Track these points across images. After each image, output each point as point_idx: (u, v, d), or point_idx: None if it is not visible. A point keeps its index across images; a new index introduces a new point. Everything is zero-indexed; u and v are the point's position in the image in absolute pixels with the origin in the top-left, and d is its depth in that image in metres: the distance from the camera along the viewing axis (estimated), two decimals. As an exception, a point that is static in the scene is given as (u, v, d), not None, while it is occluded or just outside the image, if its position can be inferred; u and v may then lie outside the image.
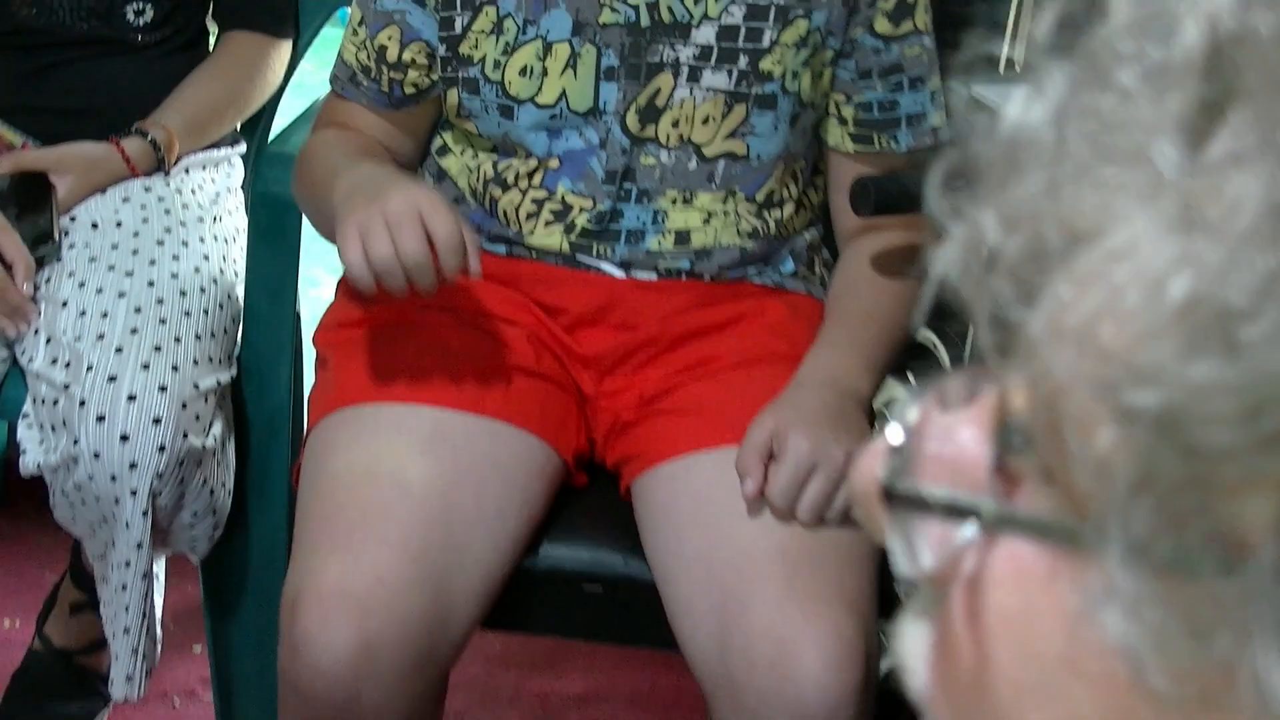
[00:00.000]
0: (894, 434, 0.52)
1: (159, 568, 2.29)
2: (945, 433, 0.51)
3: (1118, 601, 0.43)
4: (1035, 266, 0.46)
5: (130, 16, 2.45)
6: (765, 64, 2.03)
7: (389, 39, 2.12)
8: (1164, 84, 0.44)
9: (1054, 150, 0.46)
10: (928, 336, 2.62)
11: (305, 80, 2.77)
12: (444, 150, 2.18)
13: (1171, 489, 0.41)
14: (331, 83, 2.21)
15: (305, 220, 2.24)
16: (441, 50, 2.10)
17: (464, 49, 2.08)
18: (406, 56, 2.13)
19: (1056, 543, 0.46)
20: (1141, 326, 0.42)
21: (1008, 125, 0.48)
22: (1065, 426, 0.45)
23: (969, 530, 0.48)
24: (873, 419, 2.02)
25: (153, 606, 2.24)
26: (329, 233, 2.05)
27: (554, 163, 2.10)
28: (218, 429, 2.20)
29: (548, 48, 2.05)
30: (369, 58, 2.15)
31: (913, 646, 0.53)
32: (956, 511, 0.49)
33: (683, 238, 2.10)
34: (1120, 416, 0.42)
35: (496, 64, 2.07)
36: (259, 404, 2.36)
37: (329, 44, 2.56)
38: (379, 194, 1.90)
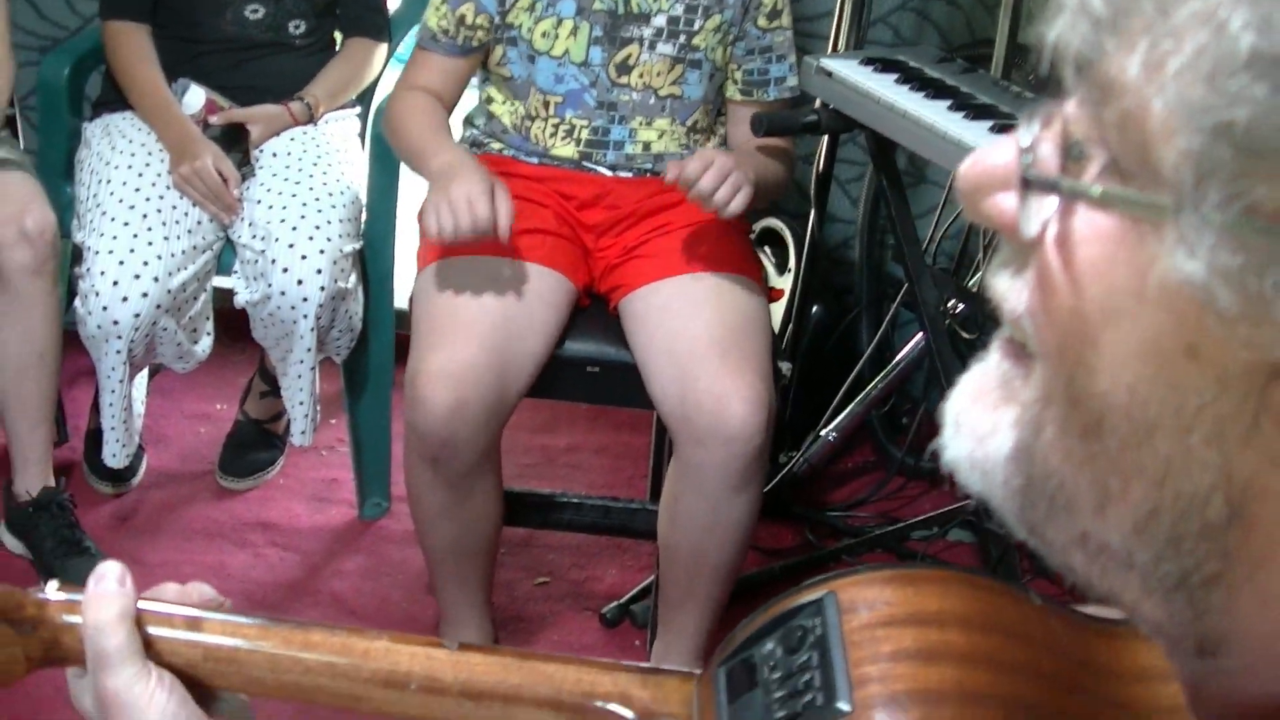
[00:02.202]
0: (1022, 138, 0.54)
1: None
2: (1039, 146, 0.55)
3: (1187, 250, 0.48)
4: (1126, 25, 0.49)
5: (291, 30, 3.02)
6: (696, 41, 2.58)
7: (467, 10, 2.56)
8: None
9: None
10: (776, 223, 3.23)
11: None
12: (490, 100, 2.68)
13: (1231, 176, 0.46)
14: (419, 41, 2.65)
15: None
16: (496, 19, 2.57)
17: (510, 18, 2.56)
18: (478, 20, 2.57)
19: (1129, 213, 0.50)
20: (1219, 68, 0.46)
21: None
22: (1147, 137, 0.49)
23: (1053, 204, 0.53)
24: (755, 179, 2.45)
25: (316, 390, 2.83)
26: (415, 169, 2.55)
27: (558, 98, 2.58)
28: (353, 278, 2.79)
29: (559, 21, 2.54)
30: (450, 22, 2.57)
31: (1003, 285, 0.58)
32: (1056, 189, 0.53)
33: (647, 147, 2.63)
34: (1200, 128, 0.47)
35: (528, 28, 2.55)
36: (376, 263, 2.93)
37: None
38: (449, 183, 2.34)
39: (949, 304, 2.86)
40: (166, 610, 0.94)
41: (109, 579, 0.92)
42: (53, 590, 0.94)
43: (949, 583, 0.83)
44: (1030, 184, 0.54)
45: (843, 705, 0.77)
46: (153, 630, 0.92)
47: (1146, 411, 0.52)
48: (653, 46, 2.59)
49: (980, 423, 0.60)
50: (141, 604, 0.93)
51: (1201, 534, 0.53)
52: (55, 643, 0.93)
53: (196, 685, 0.93)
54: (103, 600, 0.91)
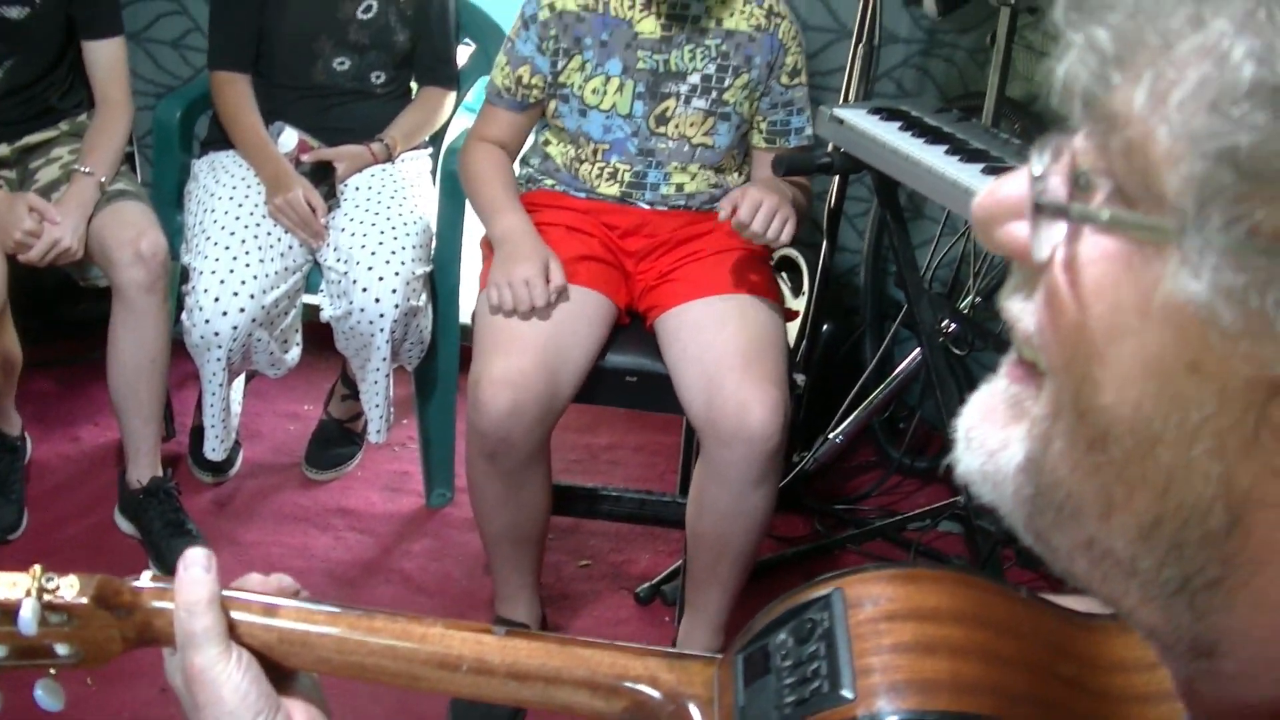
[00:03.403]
0: (1035, 169, 0.52)
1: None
2: (1049, 177, 0.52)
3: (1190, 270, 0.45)
4: (1132, 60, 0.47)
5: (373, 80, 3.03)
6: (726, 96, 2.56)
7: (524, 71, 2.56)
8: None
9: None
10: (792, 252, 3.12)
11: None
12: (547, 143, 2.67)
13: (1233, 199, 0.44)
14: (487, 95, 2.66)
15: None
16: (550, 78, 2.56)
17: (562, 78, 2.55)
18: (533, 80, 2.57)
19: (1134, 237, 0.48)
20: (1221, 96, 0.44)
21: None
22: (1152, 164, 0.46)
23: (1061, 231, 0.51)
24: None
25: (390, 395, 2.83)
26: (481, 220, 2.57)
27: (605, 146, 2.57)
28: (424, 296, 2.79)
29: (607, 79, 2.54)
30: (511, 81, 2.59)
31: (1014, 308, 0.56)
32: (1065, 215, 0.50)
33: (680, 188, 2.61)
34: (1203, 154, 0.44)
35: (579, 86, 2.55)
36: (443, 283, 2.92)
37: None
38: (513, 260, 2.40)
39: (943, 324, 2.84)
40: (247, 597, 0.93)
41: (196, 566, 0.91)
42: (146, 578, 0.94)
43: (946, 581, 0.81)
44: (1041, 209, 0.52)
45: (847, 693, 0.75)
46: (234, 615, 0.92)
47: (1150, 424, 0.49)
48: (688, 101, 2.58)
49: (991, 438, 0.58)
50: (226, 591, 0.93)
51: (1202, 541, 0.50)
52: (148, 625, 0.93)
53: (272, 665, 0.92)
54: (193, 585, 0.90)
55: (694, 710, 0.89)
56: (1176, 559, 0.51)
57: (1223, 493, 0.49)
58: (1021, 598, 0.82)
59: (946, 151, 2.36)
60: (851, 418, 3.25)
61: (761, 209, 2.37)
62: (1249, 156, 0.44)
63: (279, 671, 0.93)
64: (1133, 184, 0.48)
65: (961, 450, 0.59)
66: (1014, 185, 0.55)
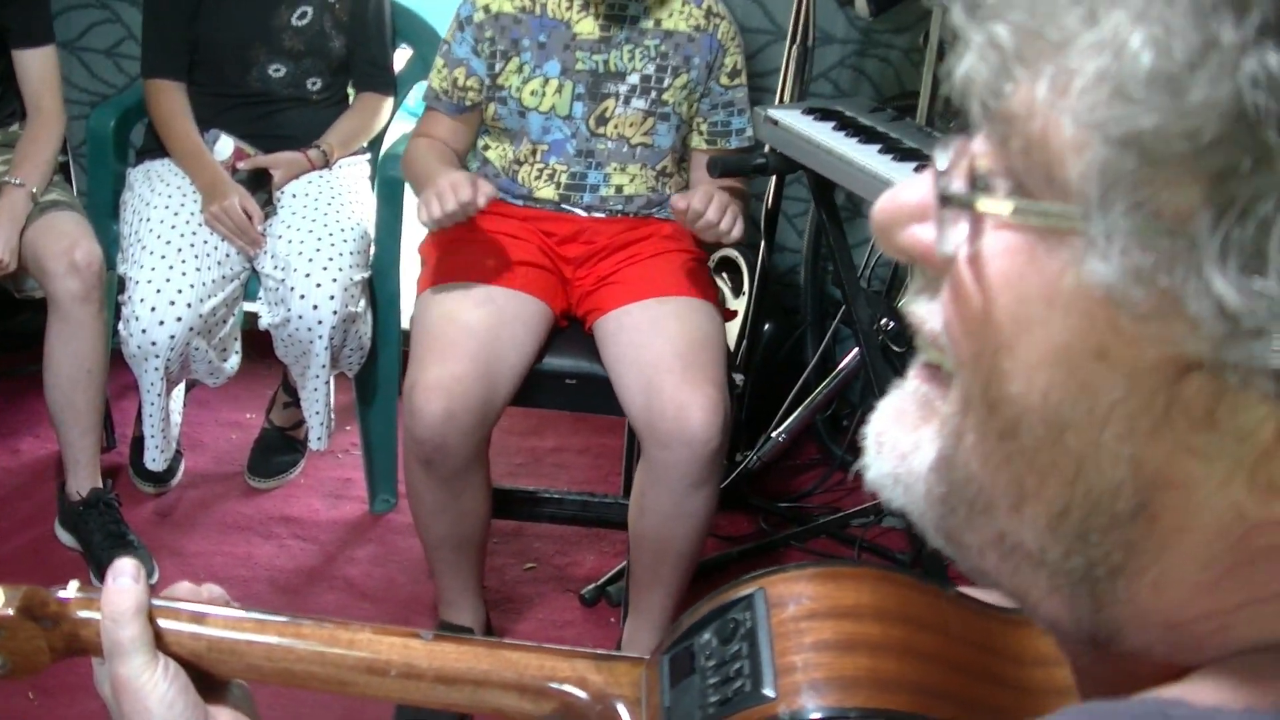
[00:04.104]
0: (940, 164, 0.53)
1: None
2: (951, 178, 0.53)
3: (1097, 256, 0.46)
4: (1032, 55, 0.47)
5: (309, 86, 3.01)
6: (665, 97, 2.57)
7: (460, 73, 2.56)
8: None
9: None
10: (732, 252, 3.23)
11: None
12: (486, 147, 2.65)
13: (1135, 184, 0.45)
14: (425, 99, 2.66)
15: (406, 190, 2.72)
16: (487, 81, 2.56)
17: (500, 80, 2.55)
18: (469, 82, 2.57)
19: (1038, 227, 0.49)
20: (1121, 85, 0.45)
21: None
22: (1053, 156, 0.47)
23: (963, 230, 0.51)
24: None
25: (330, 402, 2.82)
26: (418, 187, 2.50)
27: (545, 146, 2.56)
28: (363, 303, 2.78)
29: (546, 81, 2.54)
30: (448, 83, 2.58)
31: (920, 310, 0.57)
32: (969, 210, 0.51)
33: (619, 189, 2.60)
34: (1106, 140, 0.45)
35: (517, 88, 2.54)
36: (383, 289, 2.91)
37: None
38: (439, 176, 2.39)
39: (881, 321, 2.85)
40: (176, 606, 0.93)
41: (124, 575, 0.91)
42: (72, 589, 0.94)
43: (866, 579, 0.82)
44: (948, 201, 0.52)
45: (768, 691, 0.76)
46: (163, 623, 0.91)
47: (1060, 411, 0.50)
48: (627, 101, 2.57)
49: (902, 441, 0.58)
50: (155, 600, 0.92)
51: (1109, 526, 0.51)
52: (75, 636, 0.93)
53: (202, 674, 0.92)
54: (119, 595, 0.90)
55: (622, 710, 0.90)
56: (1082, 546, 0.52)
57: (1131, 476, 0.49)
58: (943, 593, 0.83)
59: (880, 151, 2.38)
60: (794, 416, 3.26)
61: (714, 201, 2.37)
62: (1150, 141, 0.44)
63: (209, 681, 0.93)
64: (1034, 179, 0.49)
65: (872, 456, 0.59)
66: (914, 189, 0.55)
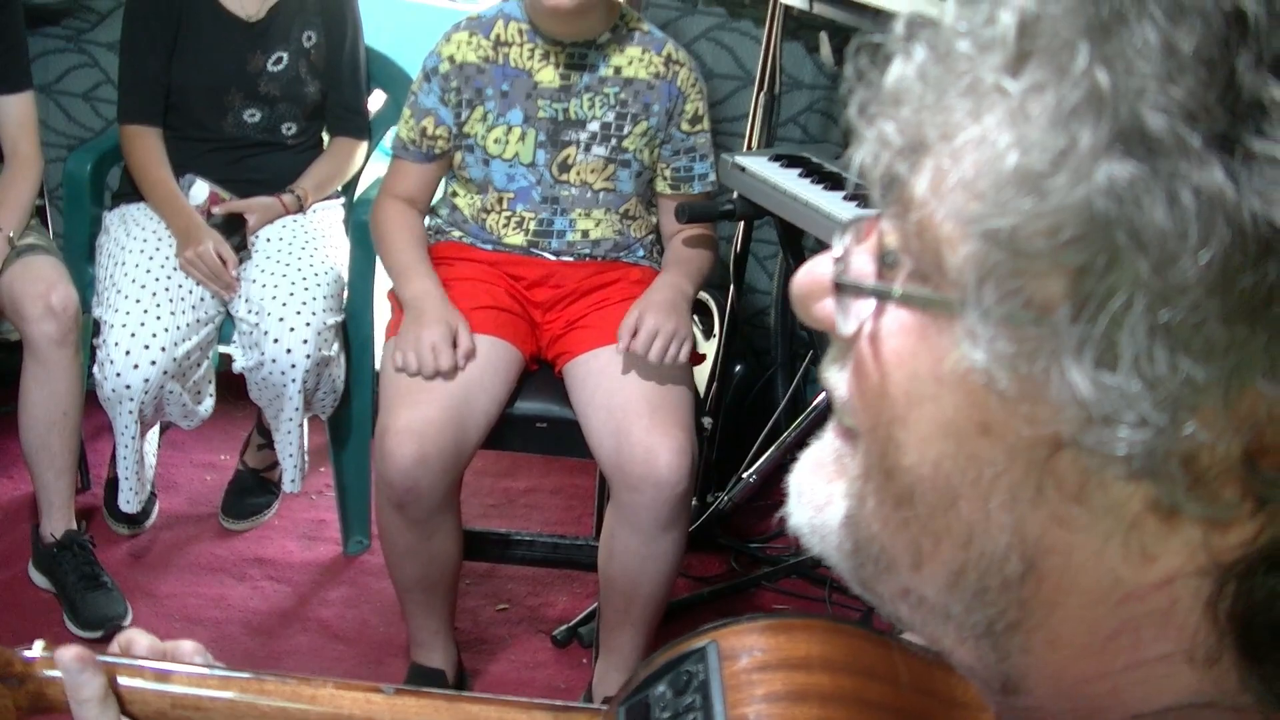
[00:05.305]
0: (836, 251, 0.56)
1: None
2: (852, 256, 0.57)
3: (972, 340, 0.49)
4: (916, 151, 0.51)
5: (284, 131, 3.03)
6: (626, 144, 2.57)
7: (428, 122, 2.56)
8: (989, 47, 0.49)
9: (922, 89, 0.51)
10: (703, 295, 3.21)
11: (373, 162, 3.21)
12: (455, 194, 2.67)
13: (1005, 275, 0.48)
14: (393, 149, 2.65)
15: None
16: (454, 129, 2.57)
17: (466, 128, 2.56)
18: (438, 131, 2.57)
19: (926, 310, 0.51)
20: (991, 183, 0.47)
21: (891, 80, 0.52)
22: (938, 244, 0.50)
23: (868, 306, 0.54)
24: (691, 310, 2.52)
25: (304, 444, 2.82)
26: (393, 282, 2.55)
27: (510, 194, 2.57)
28: (336, 346, 2.78)
29: (509, 128, 2.55)
30: (416, 133, 2.58)
31: (832, 377, 0.59)
32: (864, 292, 0.54)
33: (585, 234, 2.61)
34: (978, 235, 0.48)
35: (482, 136, 2.55)
36: (356, 332, 2.92)
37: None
38: (420, 324, 2.38)
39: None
40: (139, 664, 0.94)
41: (74, 672, 0.92)
42: (38, 649, 0.95)
43: (817, 630, 0.83)
44: (842, 289, 0.56)
45: None
46: (125, 682, 0.93)
47: (950, 481, 0.53)
48: (588, 149, 2.59)
49: (818, 493, 0.62)
50: (118, 659, 0.94)
51: (1002, 587, 0.54)
52: (40, 695, 0.94)
53: None
54: (78, 689, 0.91)
55: None
56: (980, 604, 0.55)
57: (1017, 542, 0.52)
58: (890, 642, 0.85)
59: (845, 198, 2.41)
60: (765, 457, 3.26)
61: (657, 340, 2.38)
62: (1015, 237, 0.47)
63: None
64: (925, 262, 0.52)
65: (794, 504, 0.63)
66: (826, 265, 0.58)
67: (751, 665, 0.82)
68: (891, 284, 0.54)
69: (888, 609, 0.60)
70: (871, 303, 0.55)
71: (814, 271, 0.59)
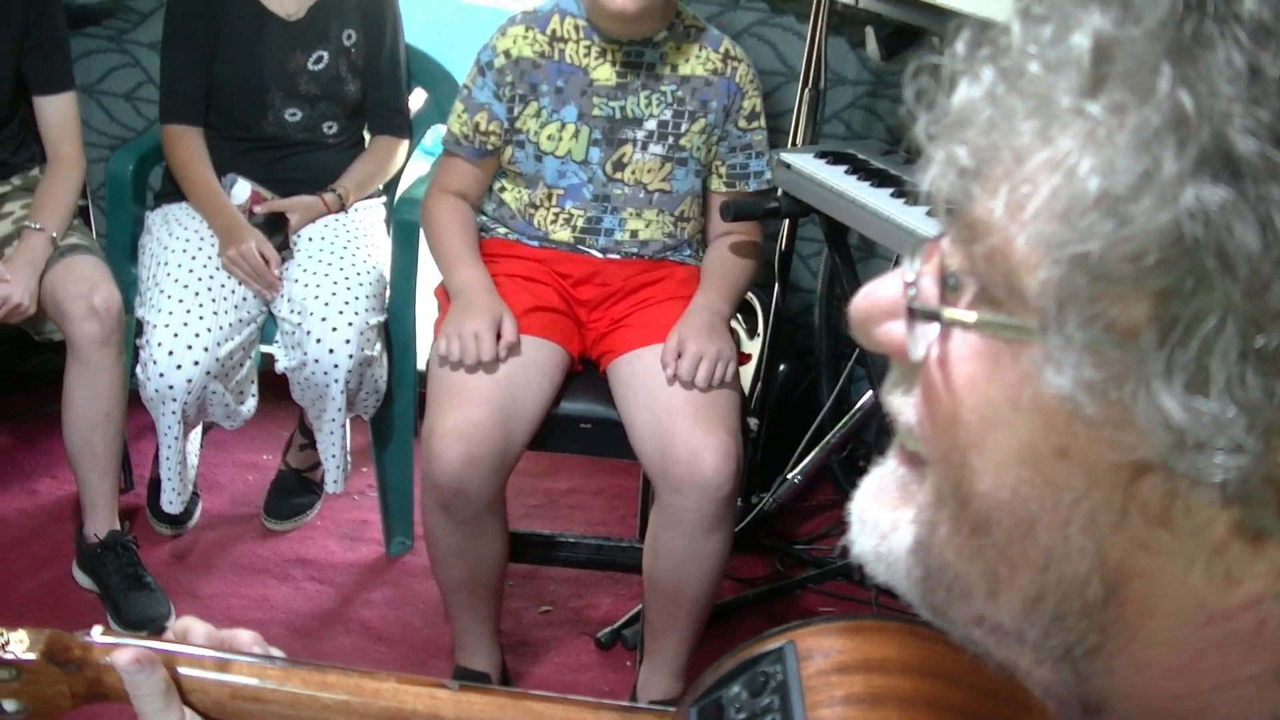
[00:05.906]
0: (906, 274, 0.56)
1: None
2: (923, 279, 0.56)
3: (1055, 366, 0.48)
4: (986, 174, 0.50)
5: (325, 130, 3.02)
6: (683, 142, 2.56)
7: (481, 117, 2.54)
8: (1060, 68, 0.48)
9: (991, 111, 0.50)
10: (749, 295, 3.15)
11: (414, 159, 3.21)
12: (502, 189, 2.63)
13: (1086, 300, 0.47)
14: (444, 144, 2.63)
15: (422, 234, 2.70)
16: (506, 124, 2.55)
17: (518, 124, 2.54)
18: (491, 127, 2.55)
19: (999, 335, 0.51)
20: (1071, 207, 0.47)
21: (958, 101, 0.51)
22: (1013, 268, 0.49)
23: (933, 330, 0.54)
24: (729, 327, 2.50)
25: (346, 445, 2.82)
26: (441, 272, 2.55)
27: (560, 191, 2.56)
28: (378, 346, 2.78)
29: (563, 125, 2.53)
30: (469, 128, 2.56)
31: (895, 401, 0.59)
32: (936, 318, 0.53)
33: (635, 234, 2.59)
34: (1058, 260, 0.47)
35: (535, 132, 2.53)
36: (398, 332, 2.91)
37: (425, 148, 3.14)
38: (466, 313, 2.38)
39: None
40: (199, 653, 0.93)
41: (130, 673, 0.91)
42: (97, 633, 0.94)
43: (893, 632, 0.82)
44: (915, 313, 0.55)
45: None
46: (186, 671, 0.91)
47: (1028, 507, 0.52)
48: (645, 147, 2.57)
49: (882, 520, 0.60)
50: (177, 648, 0.93)
51: (1082, 612, 0.53)
52: (98, 681, 0.93)
53: None
54: (138, 685, 0.91)
55: None
56: (1059, 629, 0.54)
57: (1098, 567, 0.52)
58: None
59: (892, 195, 2.38)
60: (810, 457, 3.25)
61: (702, 365, 2.38)
62: (1098, 261, 0.47)
63: None
64: (996, 286, 0.51)
65: (856, 532, 0.61)
66: (888, 287, 0.58)
67: (829, 667, 0.81)
68: (956, 307, 0.54)
69: (959, 633, 0.59)
70: (936, 326, 0.54)
71: (873, 294, 0.58)
